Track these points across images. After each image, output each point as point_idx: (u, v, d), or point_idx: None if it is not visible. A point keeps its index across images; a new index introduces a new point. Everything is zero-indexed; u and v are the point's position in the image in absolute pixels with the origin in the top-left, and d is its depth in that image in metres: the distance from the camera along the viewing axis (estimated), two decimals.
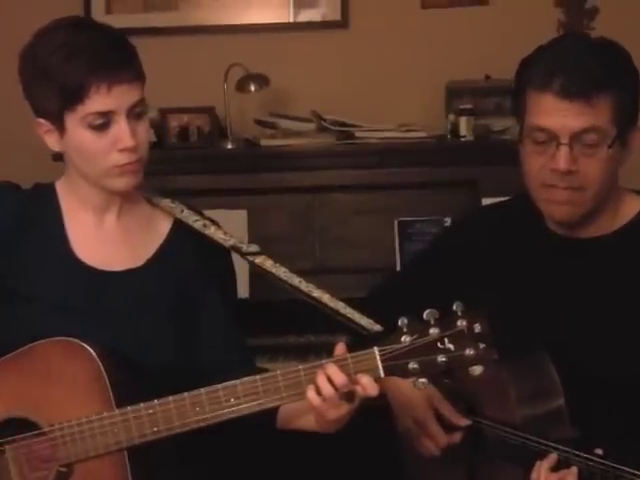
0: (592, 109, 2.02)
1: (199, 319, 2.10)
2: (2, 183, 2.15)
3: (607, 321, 2.10)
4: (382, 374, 1.86)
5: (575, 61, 2.04)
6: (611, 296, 2.11)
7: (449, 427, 2.19)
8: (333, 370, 1.87)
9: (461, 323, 1.82)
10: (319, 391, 1.87)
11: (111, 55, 1.98)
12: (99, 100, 1.96)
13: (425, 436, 2.19)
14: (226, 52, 3.56)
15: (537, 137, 2.06)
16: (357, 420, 1.93)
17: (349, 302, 2.06)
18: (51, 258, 2.07)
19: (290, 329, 3.10)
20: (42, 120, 2.02)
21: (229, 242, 2.11)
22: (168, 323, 2.06)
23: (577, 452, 1.98)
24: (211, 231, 2.11)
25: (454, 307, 1.84)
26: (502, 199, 2.39)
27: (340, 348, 1.91)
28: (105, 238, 2.09)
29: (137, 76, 2.01)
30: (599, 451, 1.98)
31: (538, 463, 2.00)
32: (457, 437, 2.18)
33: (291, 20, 3.69)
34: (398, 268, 3.22)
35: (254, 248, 2.10)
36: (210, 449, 2.11)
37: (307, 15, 3.68)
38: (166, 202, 2.16)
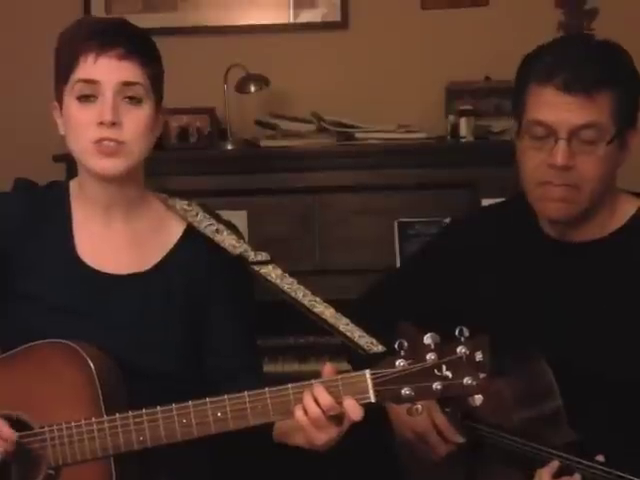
0: (593, 104, 2.02)
1: (206, 327, 2.07)
2: (18, 181, 2.15)
3: (603, 323, 2.09)
4: (373, 399, 1.79)
5: (578, 57, 2.05)
6: (607, 298, 2.11)
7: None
8: (319, 391, 1.81)
9: (461, 350, 1.75)
10: (306, 411, 1.82)
11: (106, 29, 2.03)
12: (86, 68, 1.99)
13: (425, 446, 2.17)
14: (226, 53, 3.57)
15: (536, 132, 2.06)
16: (354, 426, 1.86)
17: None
18: (55, 259, 2.05)
19: (290, 329, 3.10)
20: (56, 103, 2.06)
21: (237, 250, 2.05)
22: (170, 331, 2.04)
23: (579, 459, 1.97)
24: (222, 237, 2.07)
25: (456, 332, 1.76)
26: (500, 200, 2.39)
27: (328, 369, 1.85)
28: (112, 240, 2.07)
29: (132, 57, 1.99)
30: (600, 457, 1.98)
31: (539, 470, 1.99)
32: (455, 448, 2.15)
33: (291, 21, 3.69)
34: None
35: (263, 257, 2.04)
36: (208, 459, 2.10)
37: (307, 16, 3.69)
38: (182, 204, 2.12)
